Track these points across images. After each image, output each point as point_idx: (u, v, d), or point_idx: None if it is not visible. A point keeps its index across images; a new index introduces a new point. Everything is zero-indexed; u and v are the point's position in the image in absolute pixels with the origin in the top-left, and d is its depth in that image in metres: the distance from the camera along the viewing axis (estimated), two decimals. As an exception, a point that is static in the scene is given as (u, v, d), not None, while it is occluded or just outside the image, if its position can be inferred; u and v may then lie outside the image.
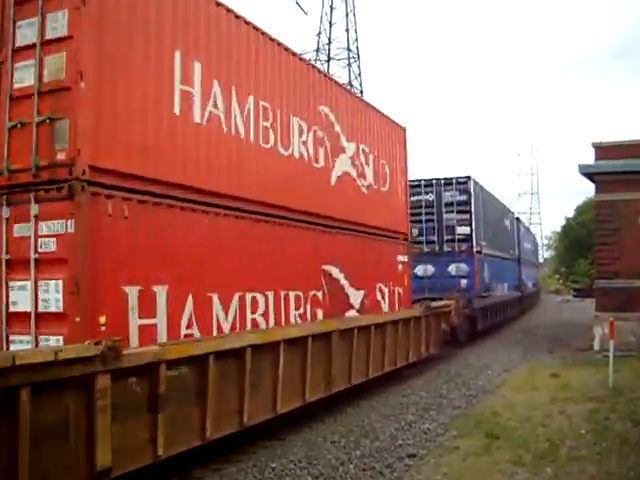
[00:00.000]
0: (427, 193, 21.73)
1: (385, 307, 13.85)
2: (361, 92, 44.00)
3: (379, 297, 13.63)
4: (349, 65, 43.65)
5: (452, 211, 21.45)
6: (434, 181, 21.81)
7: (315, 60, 43.12)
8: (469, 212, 21.34)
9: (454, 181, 21.63)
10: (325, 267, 11.31)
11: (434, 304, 15.91)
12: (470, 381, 13.95)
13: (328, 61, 43.47)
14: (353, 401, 11.85)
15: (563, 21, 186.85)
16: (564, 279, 67.56)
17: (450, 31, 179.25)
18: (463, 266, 21.01)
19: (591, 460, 7.76)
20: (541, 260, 73.14)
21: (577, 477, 7.22)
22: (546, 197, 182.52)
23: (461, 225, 21.33)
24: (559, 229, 74.75)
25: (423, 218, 21.46)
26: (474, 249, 21.29)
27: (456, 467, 7.69)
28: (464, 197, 21.40)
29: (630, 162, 18.30)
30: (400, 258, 15.00)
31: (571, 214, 65.95)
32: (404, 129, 15.72)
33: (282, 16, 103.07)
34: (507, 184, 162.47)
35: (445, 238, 21.44)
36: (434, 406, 11.39)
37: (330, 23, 43.57)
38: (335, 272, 11.58)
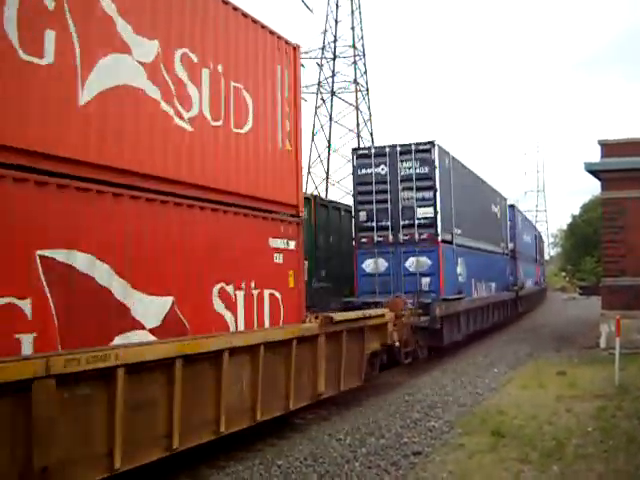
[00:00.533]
0: (378, 165, 16.87)
1: (238, 323, 8.52)
2: (367, 90, 44.00)
3: (219, 307, 8.20)
4: (355, 63, 43.57)
5: (411, 188, 16.62)
6: (387, 149, 16.97)
7: (321, 58, 43.13)
8: (433, 188, 16.52)
9: (413, 148, 16.73)
10: (49, 254, 6.11)
11: (341, 316, 10.67)
12: (476, 379, 13.93)
13: (334, 59, 43.38)
14: (358, 399, 11.85)
15: (568, 18, 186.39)
16: (570, 277, 67.47)
17: (457, 28, 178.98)
18: (425, 260, 16.42)
19: (598, 458, 7.73)
20: (547, 258, 73.13)
21: (584, 475, 7.20)
22: (552, 195, 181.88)
23: (422, 206, 16.53)
24: (565, 227, 74.79)
25: (373, 198, 16.84)
26: (439, 237, 16.56)
27: (462, 465, 7.67)
28: (426, 169, 16.54)
29: (636, 159, 18.20)
30: (277, 244, 9.57)
31: (577, 212, 65.98)
32: (294, 47, 10.35)
33: (288, 14, 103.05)
34: (513, 182, 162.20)
35: (402, 223, 16.63)
36: (440, 404, 11.36)
37: (336, 21, 43.50)
38: (84, 263, 6.42)
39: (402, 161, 16.73)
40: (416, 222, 16.51)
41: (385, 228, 16.77)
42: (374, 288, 16.40)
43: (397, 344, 13.06)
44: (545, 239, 73.34)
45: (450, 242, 17.58)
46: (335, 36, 43.53)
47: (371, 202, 16.87)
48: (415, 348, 14.75)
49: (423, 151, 16.67)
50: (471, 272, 19.70)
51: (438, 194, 16.56)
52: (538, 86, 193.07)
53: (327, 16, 43.63)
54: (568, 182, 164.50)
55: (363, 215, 17.00)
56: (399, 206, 16.66)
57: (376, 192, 16.81)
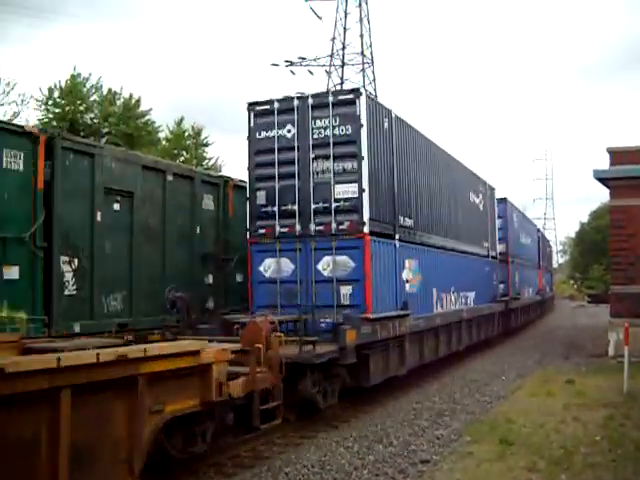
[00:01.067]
0: (284, 125, 12.02)
1: None
2: (375, 97, 43.95)
3: None
4: (363, 70, 43.59)
5: (327, 156, 11.70)
6: (296, 102, 12.04)
7: (330, 65, 43.20)
8: (357, 157, 11.53)
9: (331, 100, 11.80)
10: None
11: (45, 361, 5.17)
12: (484, 387, 13.90)
13: (342, 66, 43.45)
14: (366, 407, 11.85)
15: (577, 23, 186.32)
16: (579, 285, 67.31)
17: (465, 36, 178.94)
18: (345, 260, 11.51)
19: (606, 467, 7.72)
20: (555, 265, 72.87)
21: (592, 484, 7.20)
22: (560, 203, 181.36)
23: (342, 182, 11.62)
24: (573, 235, 74.75)
25: (276, 171, 12.03)
26: (366, 227, 11.51)
27: (470, 473, 7.67)
28: (348, 129, 11.62)
29: (645, 167, 18.20)
30: None
31: (585, 220, 65.92)
32: None
33: (296, 22, 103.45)
34: (522, 189, 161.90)
35: (314, 207, 11.76)
36: (448, 412, 11.36)
37: (344, 28, 43.56)
38: None
39: (315, 119, 11.87)
40: (333, 205, 11.66)
41: (291, 214, 11.96)
42: (275, 300, 11.80)
43: (264, 394, 8.33)
44: (553, 247, 73.10)
45: (390, 236, 12.67)
46: (344, 43, 43.58)
47: (272, 178, 12.07)
48: (281, 404, 8.74)
49: (344, 103, 11.76)
50: (432, 279, 14.86)
51: (365, 164, 11.53)
52: (547, 92, 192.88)
53: (336, 23, 43.66)
54: (577, 189, 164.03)
55: (261, 196, 12.22)
56: (310, 183, 11.85)
57: (280, 163, 12.04)
